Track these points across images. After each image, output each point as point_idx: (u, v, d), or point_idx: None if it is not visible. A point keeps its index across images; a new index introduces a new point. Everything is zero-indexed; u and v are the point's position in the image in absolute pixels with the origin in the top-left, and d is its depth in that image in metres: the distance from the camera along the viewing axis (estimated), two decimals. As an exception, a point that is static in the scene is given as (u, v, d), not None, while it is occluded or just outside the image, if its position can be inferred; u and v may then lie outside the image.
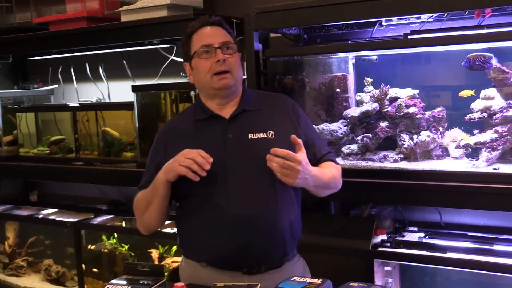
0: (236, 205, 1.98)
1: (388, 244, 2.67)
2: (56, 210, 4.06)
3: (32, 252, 4.12)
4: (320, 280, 1.53)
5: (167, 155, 2.05)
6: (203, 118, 2.10)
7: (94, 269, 3.67)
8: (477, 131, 2.54)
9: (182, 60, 3.42)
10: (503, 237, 2.65)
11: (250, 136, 2.05)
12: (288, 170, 1.86)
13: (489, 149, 2.44)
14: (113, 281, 1.68)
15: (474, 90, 2.57)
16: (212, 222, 1.99)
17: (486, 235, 2.70)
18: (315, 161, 2.10)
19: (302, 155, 1.90)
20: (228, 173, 1.98)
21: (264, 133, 2.05)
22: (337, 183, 2.15)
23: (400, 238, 2.75)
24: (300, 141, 1.93)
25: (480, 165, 2.43)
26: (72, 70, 4.06)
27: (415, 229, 2.89)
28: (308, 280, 1.54)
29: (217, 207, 1.96)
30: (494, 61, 2.44)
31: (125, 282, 1.67)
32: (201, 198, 2.00)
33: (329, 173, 2.10)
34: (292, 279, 1.57)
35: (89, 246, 3.70)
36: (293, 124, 2.11)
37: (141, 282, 1.67)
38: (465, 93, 2.57)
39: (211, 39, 2.06)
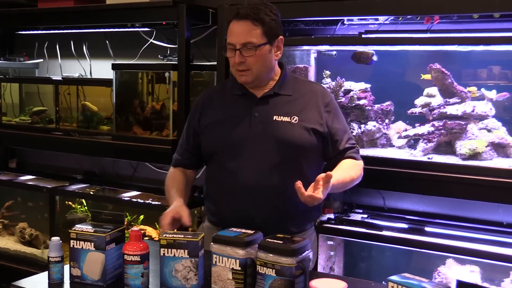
0: (248, 175, 2.15)
1: (333, 222, 2.95)
2: (33, 177, 4.25)
3: (8, 215, 4.30)
4: (253, 231, 1.82)
5: (200, 122, 2.29)
6: (237, 94, 2.27)
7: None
8: (418, 124, 2.83)
9: (160, 43, 3.70)
10: (436, 221, 2.95)
11: (275, 117, 2.19)
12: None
13: (425, 141, 2.74)
14: (79, 225, 1.93)
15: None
16: (226, 189, 2.19)
17: (421, 219, 2.98)
18: (336, 153, 2.25)
19: (326, 188, 1.95)
20: (248, 148, 2.13)
21: (288, 118, 2.19)
22: (356, 182, 2.26)
23: (345, 217, 3.03)
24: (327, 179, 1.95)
25: (417, 154, 2.73)
26: (57, 46, 4.25)
27: (361, 211, 3.17)
28: (243, 230, 1.82)
29: (231, 175, 2.16)
30: (375, 58, 2.80)
31: (90, 227, 1.92)
32: (219, 165, 2.20)
33: (348, 177, 2.18)
34: (230, 229, 1.84)
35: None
36: (319, 114, 2.23)
37: (104, 227, 1.92)
38: (426, 76, 2.83)
39: (234, 38, 2.14)
